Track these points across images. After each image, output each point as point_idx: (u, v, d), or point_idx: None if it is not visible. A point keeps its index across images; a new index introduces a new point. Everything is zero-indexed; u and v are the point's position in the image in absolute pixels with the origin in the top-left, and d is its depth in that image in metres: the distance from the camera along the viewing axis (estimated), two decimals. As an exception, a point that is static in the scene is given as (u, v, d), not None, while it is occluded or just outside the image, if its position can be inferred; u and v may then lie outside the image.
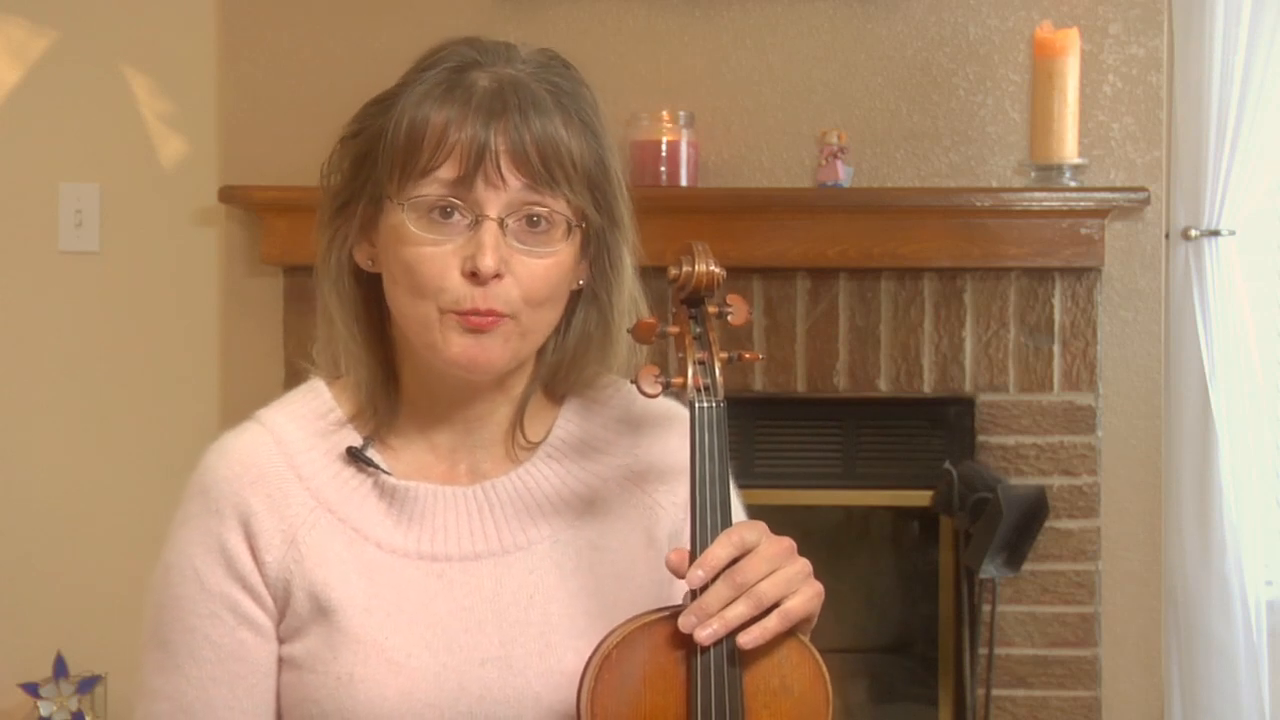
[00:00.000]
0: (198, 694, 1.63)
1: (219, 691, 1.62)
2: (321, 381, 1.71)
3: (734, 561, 1.53)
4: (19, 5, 4.02)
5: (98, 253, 4.04)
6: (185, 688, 1.63)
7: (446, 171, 1.58)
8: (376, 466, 1.66)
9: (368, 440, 1.67)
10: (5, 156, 4.04)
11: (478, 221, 1.58)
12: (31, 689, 3.88)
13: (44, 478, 4.04)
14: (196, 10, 3.97)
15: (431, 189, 1.59)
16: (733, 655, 1.54)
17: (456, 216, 1.59)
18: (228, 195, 3.82)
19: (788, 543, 1.56)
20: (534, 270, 1.60)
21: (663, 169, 3.75)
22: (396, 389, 1.69)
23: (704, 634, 1.51)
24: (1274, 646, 3.91)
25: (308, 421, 1.69)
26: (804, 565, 1.56)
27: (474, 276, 1.58)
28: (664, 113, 3.77)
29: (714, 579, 1.52)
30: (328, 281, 1.68)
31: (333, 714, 1.59)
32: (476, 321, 1.59)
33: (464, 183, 1.58)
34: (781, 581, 1.53)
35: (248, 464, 1.65)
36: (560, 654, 1.62)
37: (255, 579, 1.63)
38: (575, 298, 1.69)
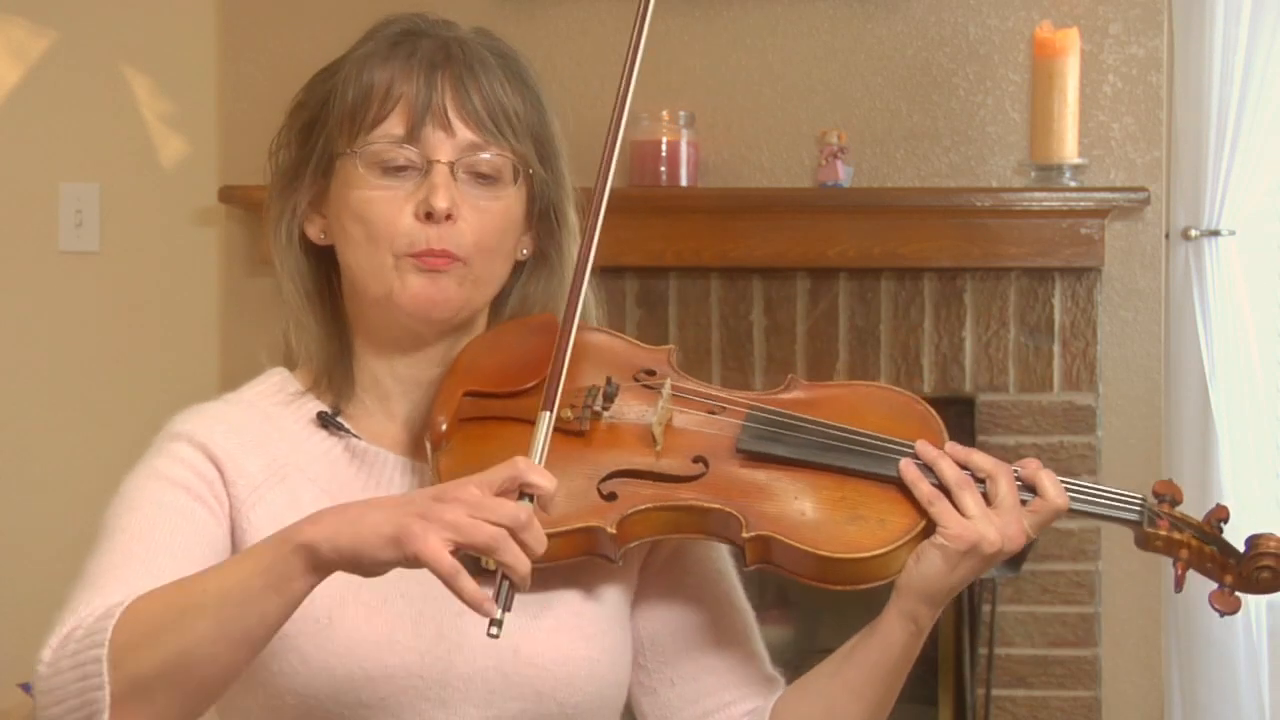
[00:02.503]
0: (130, 540, 1.57)
1: (157, 534, 1.58)
2: (280, 367, 1.74)
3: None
4: (19, 5, 4.02)
5: (98, 253, 4.04)
6: (119, 539, 1.58)
7: (395, 123, 1.63)
8: (346, 430, 1.68)
9: (336, 408, 1.69)
10: (5, 156, 4.04)
11: (429, 167, 1.62)
12: (31, 689, 3.88)
13: (44, 477, 4.04)
14: (196, 10, 3.98)
15: (382, 138, 1.63)
16: None
17: (408, 167, 1.63)
18: (228, 195, 3.82)
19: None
20: (484, 216, 1.64)
21: (662, 169, 3.75)
22: (351, 362, 1.70)
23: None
24: (1274, 646, 3.91)
25: (272, 395, 1.71)
26: None
27: (428, 218, 1.61)
28: (664, 113, 3.77)
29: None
30: (278, 255, 1.70)
31: (313, 657, 1.57)
32: (431, 262, 1.62)
33: (413, 133, 1.62)
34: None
35: (219, 419, 1.67)
36: (535, 610, 1.62)
37: (220, 490, 1.62)
38: (520, 268, 1.72)
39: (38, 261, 4.03)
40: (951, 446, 1.61)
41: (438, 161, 1.62)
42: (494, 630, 1.38)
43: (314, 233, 1.69)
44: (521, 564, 1.37)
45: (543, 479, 1.41)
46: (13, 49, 4.03)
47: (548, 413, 1.48)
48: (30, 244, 4.04)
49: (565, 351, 1.52)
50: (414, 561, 1.36)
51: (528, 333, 1.68)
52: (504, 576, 1.38)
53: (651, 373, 1.67)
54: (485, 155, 1.64)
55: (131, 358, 4.02)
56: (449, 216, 1.62)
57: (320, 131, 1.67)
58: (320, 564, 1.40)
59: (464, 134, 1.63)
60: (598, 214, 1.56)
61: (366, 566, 1.39)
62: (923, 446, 1.60)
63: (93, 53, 4.01)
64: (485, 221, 1.64)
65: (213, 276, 3.99)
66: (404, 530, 1.36)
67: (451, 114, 1.63)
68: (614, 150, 1.56)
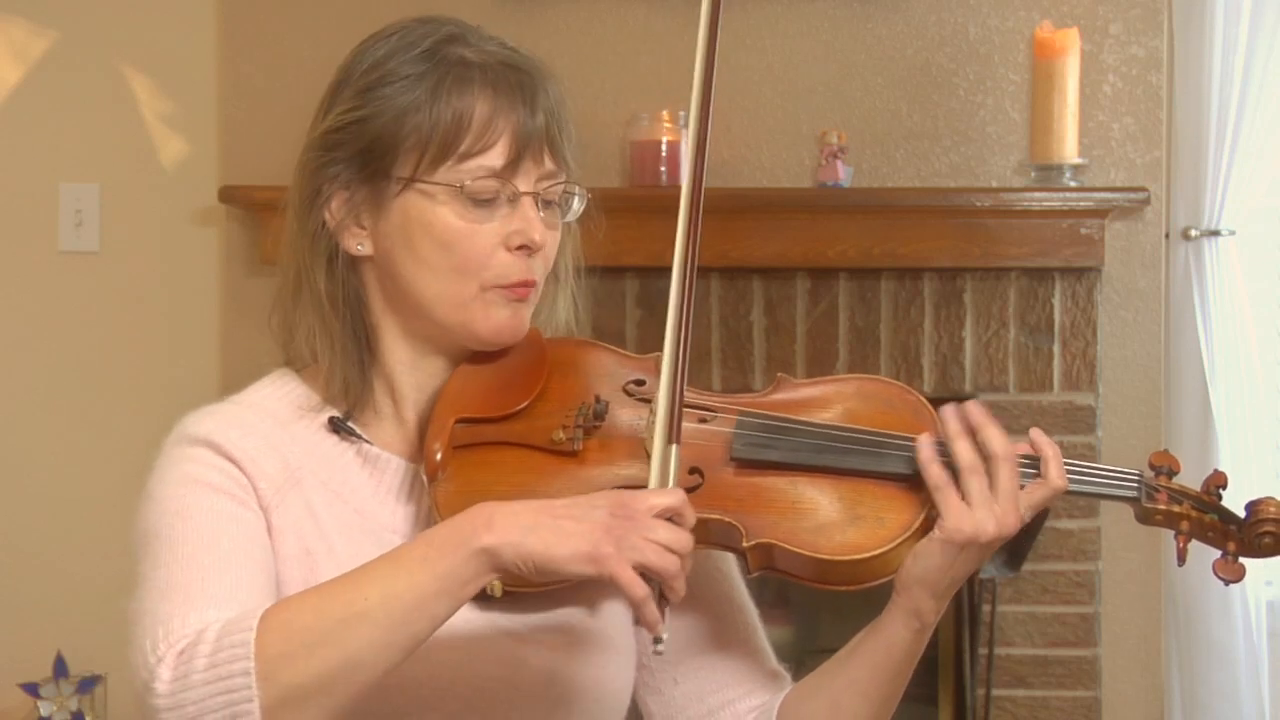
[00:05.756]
0: (197, 550, 1.54)
1: (222, 543, 1.55)
2: (289, 370, 1.73)
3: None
4: (19, 5, 4.02)
5: (98, 253, 4.03)
6: (184, 550, 1.54)
7: (496, 155, 1.62)
8: (359, 436, 1.67)
9: (348, 413, 1.68)
10: (5, 156, 4.03)
11: (515, 198, 1.63)
12: (31, 689, 3.88)
13: (44, 478, 4.04)
14: (196, 10, 3.97)
15: (478, 173, 1.62)
16: None
17: (496, 195, 1.63)
18: (228, 195, 3.82)
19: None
20: (551, 241, 1.67)
21: (663, 169, 3.74)
22: (369, 365, 1.69)
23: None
24: (1274, 647, 3.91)
25: (282, 400, 1.70)
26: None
27: (522, 250, 1.63)
28: (664, 113, 3.77)
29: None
30: (305, 261, 1.68)
31: None
32: (522, 292, 1.64)
33: (512, 165, 1.62)
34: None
35: (233, 421, 1.66)
36: (540, 621, 1.63)
37: (251, 492, 1.61)
38: None
39: (38, 261, 4.03)
40: (974, 406, 1.60)
41: (526, 194, 1.63)
42: (660, 647, 1.45)
43: (353, 244, 1.67)
44: (683, 589, 1.45)
45: (693, 515, 1.48)
46: (13, 49, 4.03)
47: (675, 445, 1.50)
48: (30, 244, 4.03)
49: (681, 383, 1.52)
50: (607, 581, 1.42)
51: (514, 352, 1.68)
52: (663, 596, 1.44)
53: (641, 382, 1.66)
54: (557, 185, 1.66)
55: (131, 358, 4.02)
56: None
57: (387, 151, 1.63)
58: (500, 567, 1.43)
59: (547, 164, 1.65)
60: (691, 264, 1.57)
61: (549, 575, 1.44)
62: (949, 416, 1.60)
63: (93, 53, 4.01)
64: (550, 247, 1.66)
65: (213, 276, 3.99)
66: (599, 550, 1.42)
67: (545, 146, 1.64)
68: (701, 181, 1.57)
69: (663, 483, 1.50)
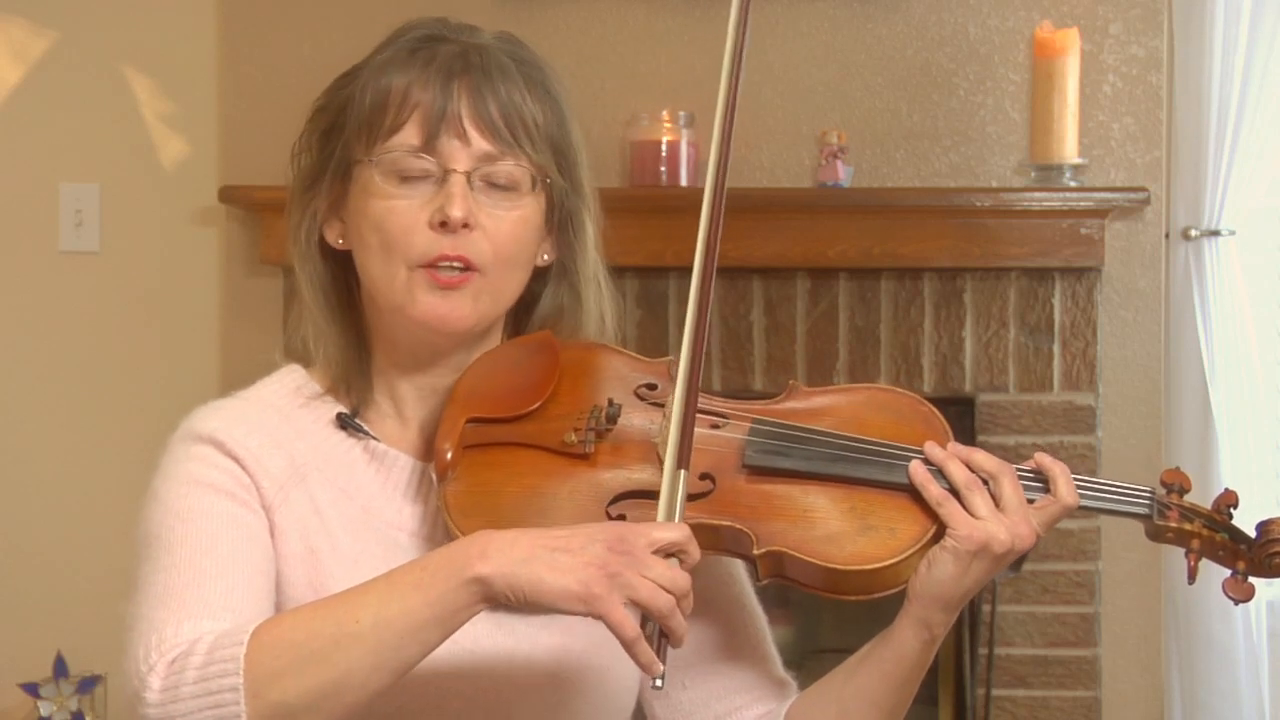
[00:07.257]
0: (194, 554, 1.54)
1: (221, 548, 1.55)
2: (296, 365, 1.74)
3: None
4: (19, 5, 4.02)
5: (98, 253, 4.03)
6: (182, 553, 1.55)
7: (411, 131, 1.62)
8: (365, 432, 1.68)
9: (355, 410, 1.69)
10: (5, 156, 4.03)
11: (445, 176, 1.62)
12: (31, 689, 3.88)
13: (44, 478, 4.04)
14: (196, 10, 3.97)
15: (399, 147, 1.62)
16: None
17: (424, 174, 1.62)
18: (228, 195, 3.82)
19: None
20: (501, 225, 1.63)
21: (662, 169, 3.74)
22: (368, 366, 1.70)
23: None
24: (1274, 646, 3.91)
25: (290, 395, 1.71)
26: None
27: (443, 227, 1.61)
28: (664, 113, 3.77)
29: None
30: (297, 258, 1.70)
31: None
32: (446, 279, 1.62)
33: (430, 141, 1.62)
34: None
35: (238, 418, 1.66)
36: (546, 621, 1.63)
37: (254, 492, 1.62)
38: (545, 274, 1.71)
39: (38, 261, 4.03)
40: (954, 446, 1.61)
41: (454, 171, 1.62)
42: (659, 683, 1.43)
43: (333, 237, 1.69)
44: (683, 629, 1.43)
45: (697, 551, 1.46)
46: (13, 49, 4.03)
47: (683, 471, 1.49)
48: (30, 244, 4.03)
49: (693, 406, 1.52)
50: (596, 619, 1.41)
51: (526, 354, 1.68)
52: (662, 634, 1.42)
53: (652, 387, 1.67)
54: (502, 165, 1.63)
55: (131, 358, 4.02)
56: (465, 225, 1.61)
57: (339, 136, 1.67)
58: (491, 597, 1.42)
59: (480, 144, 1.63)
60: (710, 268, 1.56)
61: (540, 609, 1.42)
62: (931, 448, 1.60)
63: (93, 53, 4.01)
64: (502, 230, 1.63)
65: (213, 276, 3.99)
66: (588, 589, 1.40)
67: (467, 123, 1.62)
68: (723, 183, 1.57)
69: (670, 512, 1.48)
